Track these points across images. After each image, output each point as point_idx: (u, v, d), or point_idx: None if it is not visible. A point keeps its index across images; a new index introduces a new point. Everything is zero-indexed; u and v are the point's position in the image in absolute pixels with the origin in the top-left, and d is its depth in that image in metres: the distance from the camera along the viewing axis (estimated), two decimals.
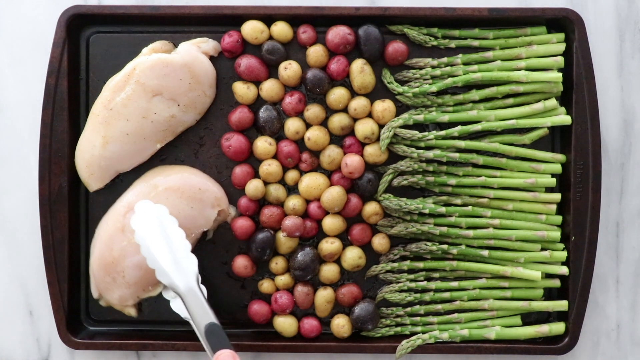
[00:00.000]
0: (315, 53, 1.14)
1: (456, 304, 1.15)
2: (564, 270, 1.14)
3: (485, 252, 1.14)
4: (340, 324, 1.15)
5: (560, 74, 1.12)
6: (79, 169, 1.14)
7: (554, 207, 1.14)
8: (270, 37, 1.15)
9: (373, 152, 1.14)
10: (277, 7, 1.13)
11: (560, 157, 1.15)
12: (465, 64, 1.14)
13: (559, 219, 1.15)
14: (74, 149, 1.14)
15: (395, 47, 1.14)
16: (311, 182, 1.14)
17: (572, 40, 1.13)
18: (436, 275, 1.15)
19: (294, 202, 1.14)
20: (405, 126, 1.14)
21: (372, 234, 1.16)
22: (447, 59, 1.14)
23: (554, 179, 1.14)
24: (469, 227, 1.14)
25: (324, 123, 1.15)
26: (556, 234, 1.14)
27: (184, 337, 1.15)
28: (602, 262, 1.18)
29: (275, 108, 1.15)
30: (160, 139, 1.14)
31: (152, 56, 1.12)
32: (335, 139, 1.16)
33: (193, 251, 1.15)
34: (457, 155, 1.13)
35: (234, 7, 1.13)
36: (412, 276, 1.15)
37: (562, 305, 1.14)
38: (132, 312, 1.15)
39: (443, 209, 1.13)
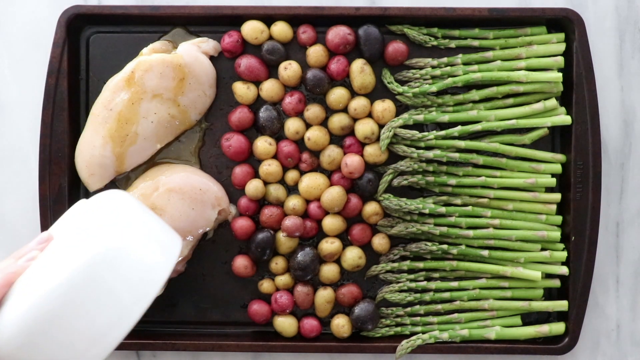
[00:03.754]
0: (315, 53, 1.14)
1: (456, 304, 1.15)
2: (564, 270, 1.14)
3: (485, 252, 1.14)
4: (340, 324, 1.15)
5: (560, 74, 1.12)
6: (79, 169, 1.14)
7: (554, 207, 1.14)
8: (270, 37, 1.15)
9: (373, 152, 1.14)
10: (277, 7, 1.13)
11: (560, 157, 1.15)
12: (465, 64, 1.14)
13: (559, 219, 1.15)
14: (74, 149, 1.14)
15: (395, 47, 1.14)
16: (311, 182, 1.14)
17: (572, 40, 1.13)
18: (436, 275, 1.15)
19: (294, 202, 1.14)
20: (405, 126, 1.14)
21: (372, 234, 1.16)
22: (447, 59, 1.14)
23: (554, 179, 1.14)
24: (469, 227, 1.14)
25: (324, 123, 1.15)
26: (556, 234, 1.14)
27: (184, 337, 1.15)
28: (602, 262, 1.18)
29: (275, 108, 1.15)
30: (160, 139, 1.14)
31: (152, 56, 1.12)
32: (335, 139, 1.16)
33: (193, 251, 1.15)
34: (457, 155, 1.13)
35: (234, 7, 1.13)
36: (412, 276, 1.15)
37: (562, 305, 1.14)
38: None
39: (443, 209, 1.13)
